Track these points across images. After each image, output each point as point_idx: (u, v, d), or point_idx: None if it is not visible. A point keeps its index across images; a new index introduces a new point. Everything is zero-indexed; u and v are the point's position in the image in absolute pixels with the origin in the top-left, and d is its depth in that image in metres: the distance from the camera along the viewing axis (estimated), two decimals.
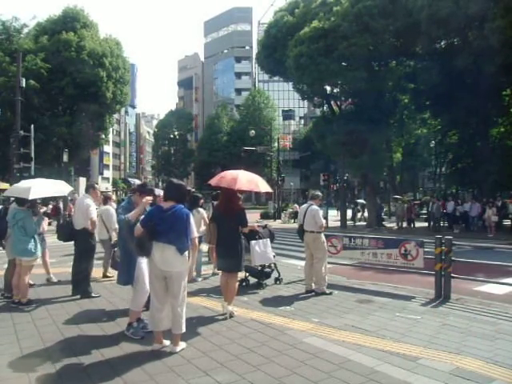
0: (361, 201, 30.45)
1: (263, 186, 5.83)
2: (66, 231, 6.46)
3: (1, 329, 4.75)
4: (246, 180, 5.51)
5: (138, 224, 4.04)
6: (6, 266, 6.46)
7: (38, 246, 5.96)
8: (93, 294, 6.23)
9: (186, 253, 4.04)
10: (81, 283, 6.24)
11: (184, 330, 4.06)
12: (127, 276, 4.46)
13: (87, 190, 6.59)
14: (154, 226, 3.97)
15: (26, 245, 5.74)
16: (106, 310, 5.55)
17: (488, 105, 20.94)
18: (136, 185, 5.01)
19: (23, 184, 6.19)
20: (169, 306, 4.07)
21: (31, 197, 5.72)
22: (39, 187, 5.95)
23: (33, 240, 5.83)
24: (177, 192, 4.15)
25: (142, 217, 4.18)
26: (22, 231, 5.75)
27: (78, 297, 6.20)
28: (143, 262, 4.42)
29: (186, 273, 4.07)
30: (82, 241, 6.23)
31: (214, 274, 7.89)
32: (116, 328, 4.75)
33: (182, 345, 4.09)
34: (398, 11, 19.90)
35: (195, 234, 4.14)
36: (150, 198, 4.41)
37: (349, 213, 25.08)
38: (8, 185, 24.36)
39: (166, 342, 4.11)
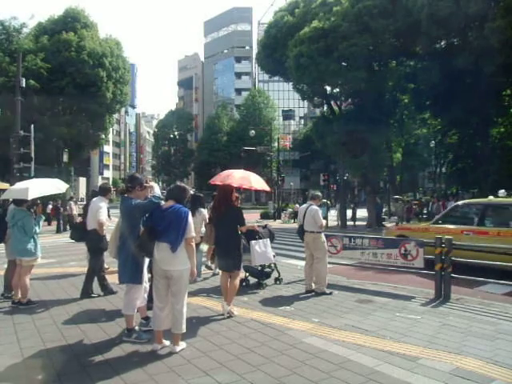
0: (324, 201, 29.88)
1: (257, 184, 5.93)
2: (79, 231, 6.43)
3: (1, 329, 4.75)
4: (239, 177, 5.71)
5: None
6: (6, 266, 6.46)
7: (38, 245, 5.96)
8: (93, 295, 6.24)
9: (184, 252, 4.01)
10: (101, 281, 6.34)
11: (184, 330, 4.06)
12: (130, 273, 4.30)
13: (102, 193, 6.47)
14: (154, 225, 4.01)
15: (25, 245, 5.74)
16: (106, 310, 5.55)
17: (488, 105, 20.94)
18: (128, 180, 4.56)
19: (20, 185, 6.17)
20: (170, 305, 4.08)
21: (30, 197, 5.71)
22: (36, 187, 5.94)
23: (32, 240, 5.83)
24: (177, 193, 4.18)
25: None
26: (22, 231, 5.74)
27: (78, 297, 6.21)
28: (145, 264, 4.41)
29: (187, 272, 4.05)
30: (91, 241, 6.23)
31: (213, 274, 7.90)
32: (116, 328, 4.75)
33: (182, 345, 4.09)
34: (398, 11, 19.90)
35: (192, 233, 4.08)
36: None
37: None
38: (8, 185, 24.40)
39: (166, 342, 4.11)
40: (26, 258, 5.79)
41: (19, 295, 5.81)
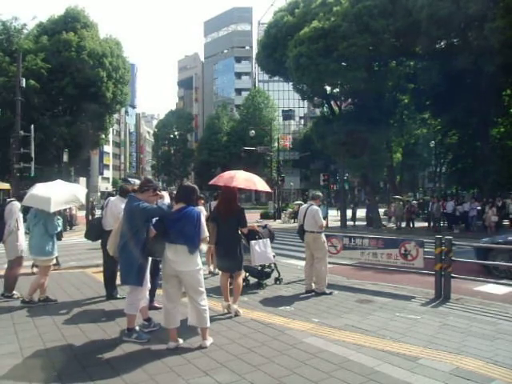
0: (298, 202, 29.44)
1: (261, 185, 5.93)
2: (96, 231, 6.19)
3: (1, 329, 4.75)
4: (243, 178, 5.65)
5: (152, 227, 4.14)
6: (5, 266, 6.46)
7: (55, 245, 5.98)
8: (118, 296, 6.07)
9: (198, 252, 4.10)
10: (110, 283, 6.12)
11: (209, 324, 4.16)
12: (133, 275, 4.30)
13: (123, 194, 6.07)
14: (166, 227, 4.05)
15: (45, 244, 5.74)
16: (106, 310, 5.55)
17: (488, 105, 20.94)
18: (143, 183, 4.55)
19: (41, 191, 5.87)
20: (179, 304, 4.17)
21: (52, 210, 5.62)
22: (59, 196, 5.76)
23: (51, 239, 5.85)
24: (186, 194, 4.20)
25: (154, 220, 4.22)
26: (43, 230, 5.75)
27: (78, 297, 6.20)
28: (148, 265, 4.43)
29: (200, 272, 4.12)
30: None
31: (213, 274, 7.90)
32: (116, 328, 4.75)
33: (210, 339, 4.19)
34: (398, 11, 19.90)
35: (206, 233, 4.23)
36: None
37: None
38: (8, 185, 24.32)
39: (180, 340, 4.17)
40: (43, 257, 5.79)
41: (37, 294, 5.83)
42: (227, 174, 5.88)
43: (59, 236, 6.59)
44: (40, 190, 5.94)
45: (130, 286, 4.37)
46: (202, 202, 8.00)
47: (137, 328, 4.42)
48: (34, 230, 5.79)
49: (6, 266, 6.46)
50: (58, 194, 5.82)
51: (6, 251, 6.31)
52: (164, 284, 4.17)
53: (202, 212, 7.43)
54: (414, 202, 27.50)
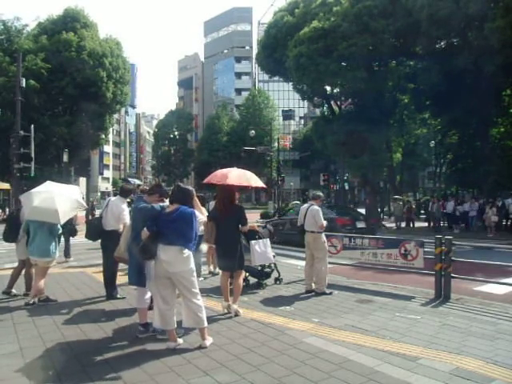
0: (296, 202, 29.41)
1: (254, 181, 5.92)
2: (97, 230, 6.11)
3: (1, 329, 4.75)
4: (236, 176, 5.61)
5: (145, 228, 4.09)
6: (6, 265, 6.46)
7: (57, 247, 6.00)
8: (118, 296, 6.11)
9: (191, 253, 4.08)
10: (110, 283, 6.12)
11: (206, 323, 4.13)
12: (136, 275, 4.40)
13: (124, 194, 6.15)
14: (160, 229, 4.03)
15: (49, 245, 5.76)
16: (106, 310, 5.55)
17: (488, 105, 20.96)
18: (152, 186, 4.84)
19: (42, 201, 5.66)
20: (175, 304, 4.15)
21: (62, 222, 5.63)
22: (64, 206, 5.68)
23: (55, 240, 5.87)
24: (181, 195, 4.19)
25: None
26: (48, 232, 5.76)
27: (78, 297, 6.21)
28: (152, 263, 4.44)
29: (192, 272, 4.10)
30: (109, 241, 5.80)
31: (213, 274, 7.90)
32: (116, 328, 4.75)
33: (210, 339, 4.17)
34: (398, 11, 19.94)
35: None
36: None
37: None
38: (8, 185, 24.33)
39: (180, 340, 4.17)
40: (47, 258, 5.79)
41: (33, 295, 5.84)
42: (220, 172, 5.81)
43: (72, 234, 7.06)
44: (41, 200, 5.69)
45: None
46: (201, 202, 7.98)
47: (149, 321, 4.45)
48: (38, 233, 5.77)
49: (6, 265, 6.47)
50: (63, 203, 5.70)
51: (19, 251, 6.30)
52: (157, 286, 4.14)
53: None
54: (413, 202, 27.51)
